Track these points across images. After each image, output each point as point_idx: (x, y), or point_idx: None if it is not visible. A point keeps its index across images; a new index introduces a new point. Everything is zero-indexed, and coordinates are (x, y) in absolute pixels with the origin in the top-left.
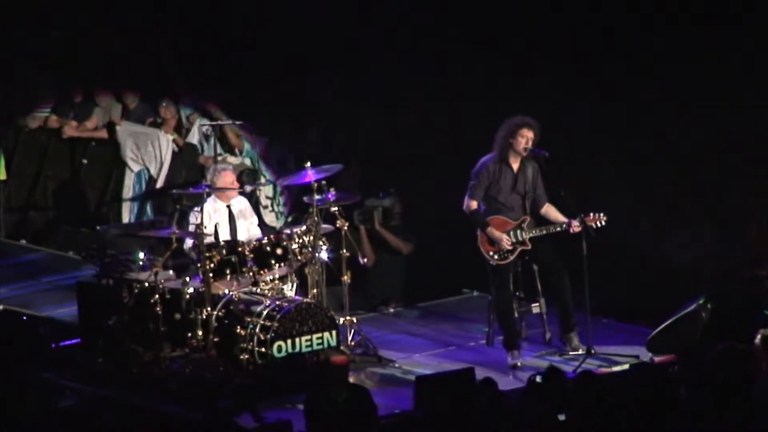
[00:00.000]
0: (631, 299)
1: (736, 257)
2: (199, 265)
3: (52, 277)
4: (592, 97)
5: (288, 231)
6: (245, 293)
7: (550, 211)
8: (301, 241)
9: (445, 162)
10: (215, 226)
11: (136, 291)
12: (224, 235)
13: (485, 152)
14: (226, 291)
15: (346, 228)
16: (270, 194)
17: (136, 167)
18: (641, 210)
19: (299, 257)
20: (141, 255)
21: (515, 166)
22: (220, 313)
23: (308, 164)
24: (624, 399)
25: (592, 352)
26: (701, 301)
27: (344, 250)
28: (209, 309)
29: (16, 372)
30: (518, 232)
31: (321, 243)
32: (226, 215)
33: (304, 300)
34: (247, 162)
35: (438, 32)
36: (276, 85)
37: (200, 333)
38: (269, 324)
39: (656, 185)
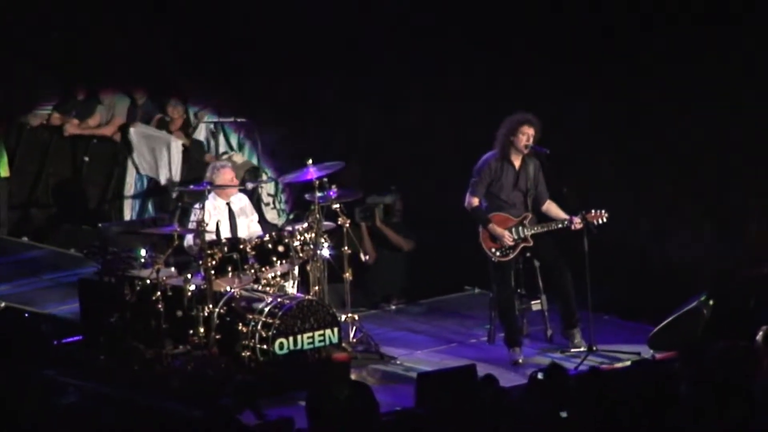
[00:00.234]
0: (633, 296)
1: (736, 257)
2: (200, 262)
3: (54, 275)
4: (592, 97)
5: (290, 228)
6: (247, 290)
7: (551, 208)
8: (302, 238)
9: (445, 159)
10: (217, 224)
11: (138, 288)
12: (225, 233)
13: (485, 151)
14: (228, 288)
15: (347, 225)
16: (272, 191)
17: (147, 173)
18: (641, 209)
19: (301, 254)
20: (143, 252)
21: (517, 163)
22: (221, 311)
23: (310, 161)
24: (625, 396)
25: (594, 349)
26: (702, 298)
27: (346, 247)
28: (211, 306)
29: (18, 369)
30: (520, 228)
31: (322, 240)
32: (225, 212)
33: (306, 297)
34: (254, 161)
35: (438, 32)
36: (276, 85)
37: (202, 330)
38: (271, 321)
39: (656, 185)
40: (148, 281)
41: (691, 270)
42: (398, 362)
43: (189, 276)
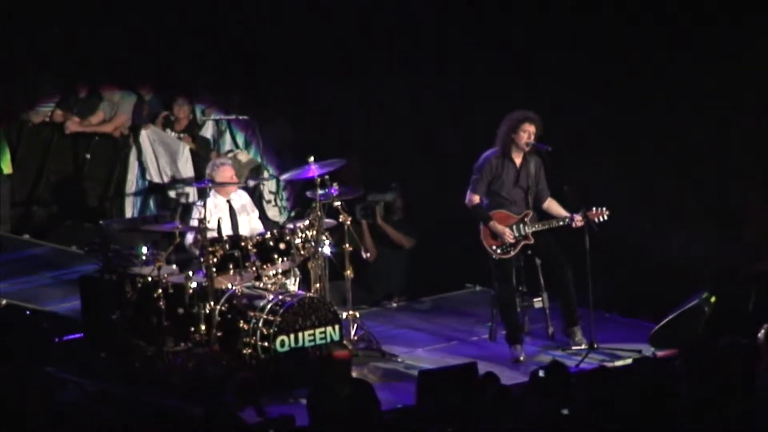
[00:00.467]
0: (634, 294)
1: (737, 254)
2: (202, 259)
3: (55, 272)
4: (594, 95)
5: (291, 226)
6: (248, 288)
7: (552, 205)
8: (304, 235)
9: (446, 158)
10: (218, 221)
11: (139, 285)
12: (226, 230)
13: (486, 148)
14: (229, 285)
15: (348, 223)
16: (273, 189)
17: (156, 179)
18: (643, 207)
19: (302, 252)
20: (144, 250)
21: (518, 160)
22: (223, 308)
23: (311, 159)
24: (626, 393)
25: (595, 346)
26: (704, 296)
27: (347, 245)
28: (212, 303)
29: (20, 366)
30: (521, 226)
31: (324, 238)
32: (226, 210)
33: (307, 295)
34: (259, 159)
35: (438, 32)
36: (276, 85)
37: (203, 327)
38: (272, 319)
39: (657, 183)
40: (150, 278)
41: (692, 268)
42: (399, 360)
43: (190, 273)
